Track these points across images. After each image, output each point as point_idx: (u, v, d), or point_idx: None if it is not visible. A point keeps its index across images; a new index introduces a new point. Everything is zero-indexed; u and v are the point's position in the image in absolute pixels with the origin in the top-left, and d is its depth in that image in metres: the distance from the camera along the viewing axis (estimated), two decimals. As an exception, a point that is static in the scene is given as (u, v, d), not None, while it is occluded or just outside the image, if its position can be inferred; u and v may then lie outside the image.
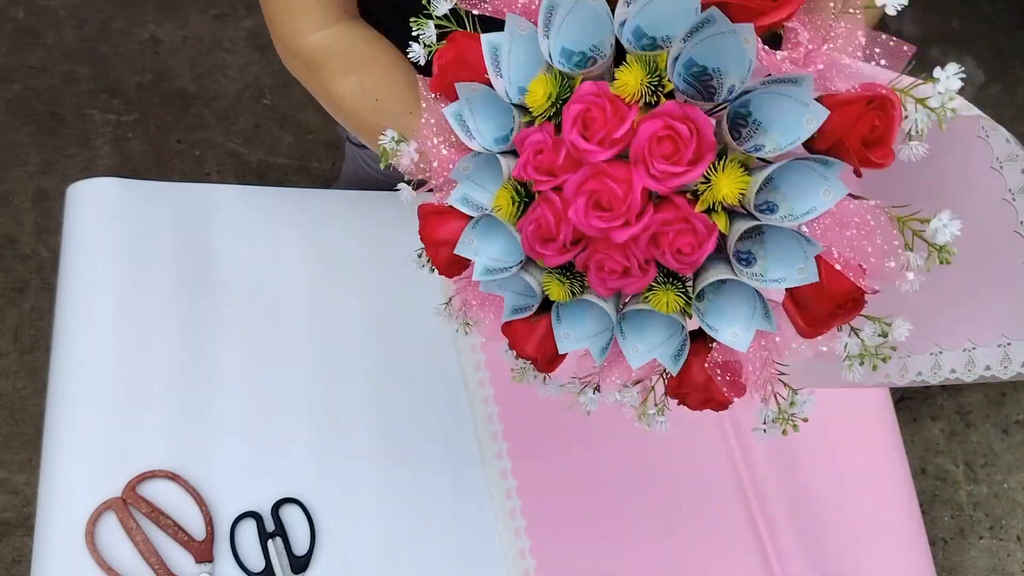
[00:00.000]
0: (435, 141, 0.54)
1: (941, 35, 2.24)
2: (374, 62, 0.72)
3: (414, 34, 0.53)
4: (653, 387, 0.56)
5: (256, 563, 0.81)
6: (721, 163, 0.45)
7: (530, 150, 0.48)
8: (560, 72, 0.48)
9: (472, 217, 0.53)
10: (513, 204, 0.50)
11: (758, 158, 0.45)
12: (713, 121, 0.44)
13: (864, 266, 0.46)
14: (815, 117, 0.43)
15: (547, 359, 0.55)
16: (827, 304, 0.46)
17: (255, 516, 0.82)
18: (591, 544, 0.87)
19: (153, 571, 0.78)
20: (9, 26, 1.93)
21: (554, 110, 0.48)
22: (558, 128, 0.47)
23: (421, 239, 0.56)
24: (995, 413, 1.85)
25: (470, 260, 0.53)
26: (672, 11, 0.45)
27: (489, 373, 0.91)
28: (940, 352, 0.58)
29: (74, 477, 0.81)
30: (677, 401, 0.55)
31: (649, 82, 0.45)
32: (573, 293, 0.52)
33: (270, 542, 0.81)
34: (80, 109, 1.88)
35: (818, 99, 0.44)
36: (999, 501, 1.79)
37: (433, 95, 0.54)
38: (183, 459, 0.83)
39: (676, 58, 0.45)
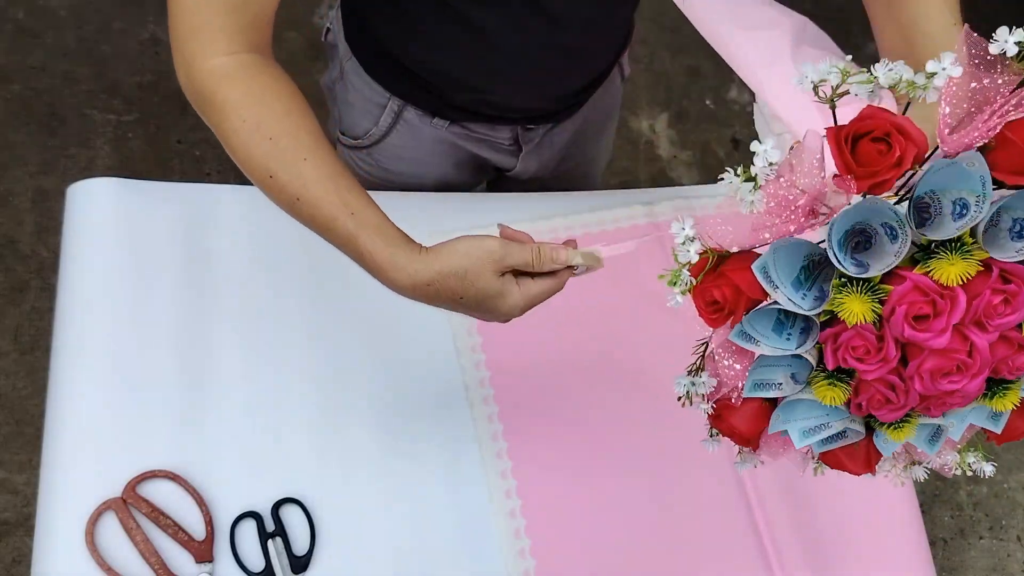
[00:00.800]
0: (727, 362, 0.56)
1: (941, 35, 2.24)
2: (275, 101, 0.67)
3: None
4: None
5: (256, 563, 0.80)
6: None
7: (845, 347, 0.51)
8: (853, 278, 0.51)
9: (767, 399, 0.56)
10: (836, 387, 0.53)
11: None
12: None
13: None
14: None
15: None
16: None
17: (255, 516, 0.82)
18: (591, 544, 0.86)
19: (153, 571, 0.78)
20: (9, 26, 1.93)
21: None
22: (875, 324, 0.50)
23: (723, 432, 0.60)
24: (995, 413, 1.85)
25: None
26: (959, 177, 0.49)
27: (489, 373, 0.91)
28: None
29: (74, 477, 0.81)
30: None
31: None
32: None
33: (270, 542, 0.81)
34: (80, 109, 1.88)
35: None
36: (999, 501, 1.79)
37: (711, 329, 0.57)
38: (183, 459, 0.83)
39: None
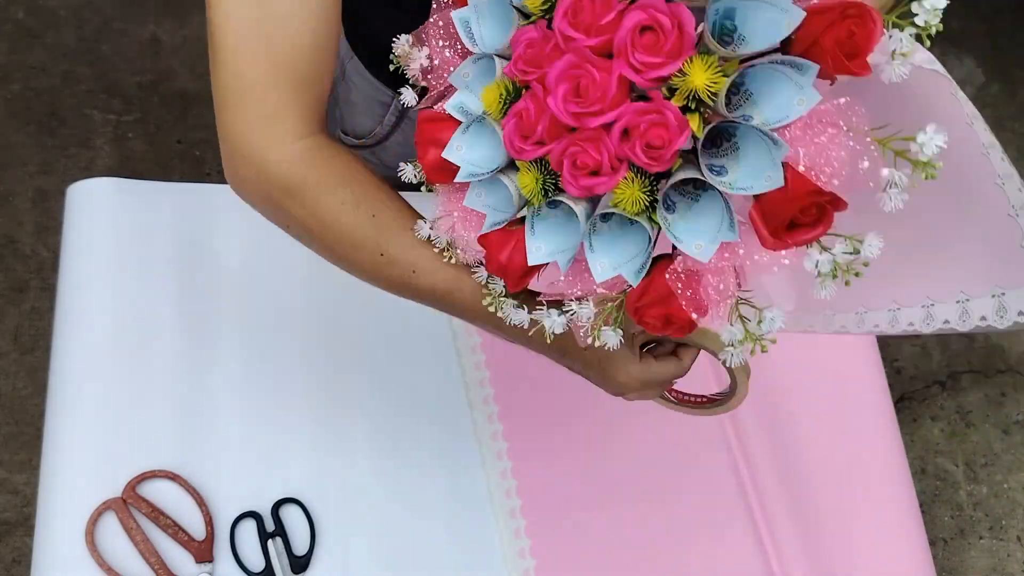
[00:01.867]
0: (440, 44, 0.54)
1: (941, 35, 2.24)
2: (361, 175, 0.62)
3: None
4: (615, 304, 0.55)
5: (256, 563, 0.80)
6: (701, 60, 0.46)
7: (522, 46, 0.49)
8: None
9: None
10: (501, 101, 0.51)
11: (738, 60, 0.47)
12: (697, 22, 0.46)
13: (832, 174, 0.46)
14: (793, 19, 0.44)
15: (517, 273, 0.56)
16: (791, 208, 0.46)
17: (255, 516, 0.82)
18: (591, 544, 0.86)
19: (153, 571, 0.78)
20: (9, 26, 1.93)
21: (549, 4, 0.49)
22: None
23: (415, 143, 0.56)
24: (995, 413, 1.85)
25: (456, 168, 0.54)
26: None
27: (489, 373, 0.91)
28: (932, 304, 0.58)
29: (74, 477, 0.81)
30: (637, 320, 0.54)
31: None
32: (546, 192, 0.52)
33: (270, 542, 0.81)
34: (80, 109, 1.88)
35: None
36: (999, 501, 1.79)
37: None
38: (183, 459, 0.83)
39: None
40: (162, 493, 0.81)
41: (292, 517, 0.83)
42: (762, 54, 0.46)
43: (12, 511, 1.53)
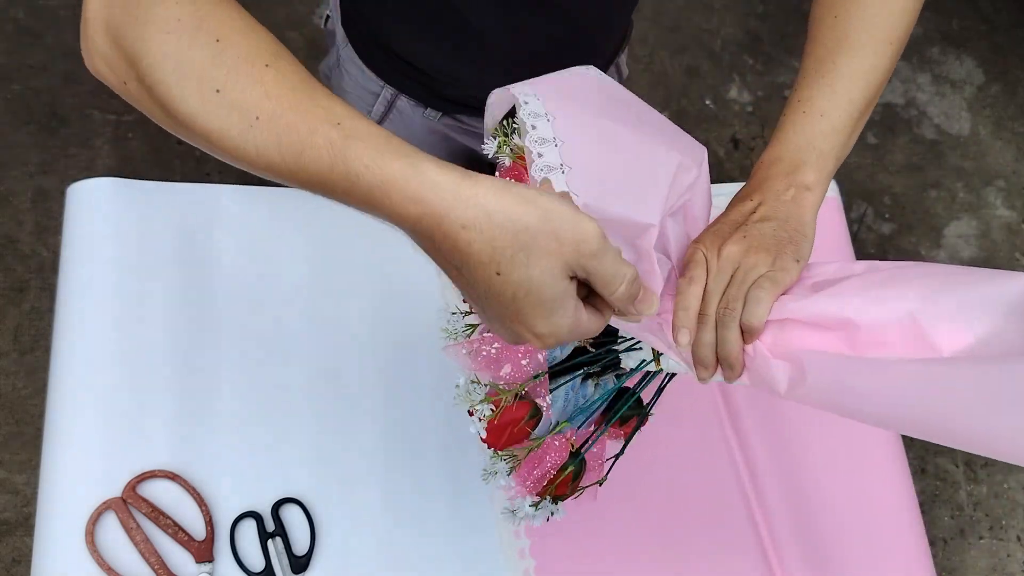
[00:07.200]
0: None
1: (941, 35, 2.24)
2: (223, 3, 0.50)
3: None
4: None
5: (256, 563, 0.80)
6: None
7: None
8: None
9: None
10: None
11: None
12: None
13: None
14: None
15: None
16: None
17: (255, 516, 0.82)
18: (591, 544, 0.86)
19: (153, 571, 0.78)
20: (9, 26, 1.93)
21: None
22: None
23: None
24: (995, 413, 1.85)
25: None
26: None
27: (489, 373, 0.91)
28: None
29: (74, 477, 0.81)
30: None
31: None
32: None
33: (270, 542, 0.81)
34: (80, 109, 1.88)
35: None
36: (999, 501, 1.79)
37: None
38: (183, 459, 0.83)
39: None
40: (162, 493, 0.81)
41: (292, 517, 0.83)
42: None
43: (12, 511, 1.53)
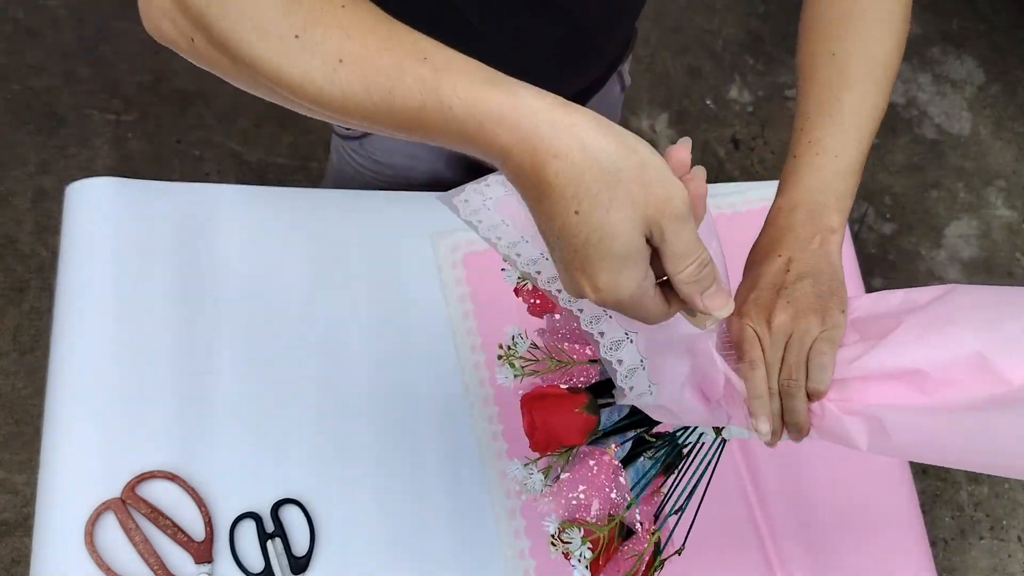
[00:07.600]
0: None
1: (941, 35, 2.24)
2: None
3: None
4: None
5: (256, 564, 0.80)
6: None
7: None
8: None
9: None
10: None
11: None
12: None
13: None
14: None
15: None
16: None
17: (254, 517, 0.82)
18: (591, 544, 0.86)
19: (152, 572, 0.78)
20: (9, 26, 1.93)
21: None
22: None
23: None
24: (995, 413, 1.85)
25: None
26: None
27: (489, 373, 0.91)
28: None
29: (73, 477, 0.81)
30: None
31: None
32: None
33: (269, 543, 0.81)
34: (80, 109, 1.88)
35: None
36: (1000, 501, 1.79)
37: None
38: (183, 459, 0.83)
39: None
40: (161, 493, 0.81)
41: (292, 517, 0.83)
42: None
43: (12, 511, 1.53)
